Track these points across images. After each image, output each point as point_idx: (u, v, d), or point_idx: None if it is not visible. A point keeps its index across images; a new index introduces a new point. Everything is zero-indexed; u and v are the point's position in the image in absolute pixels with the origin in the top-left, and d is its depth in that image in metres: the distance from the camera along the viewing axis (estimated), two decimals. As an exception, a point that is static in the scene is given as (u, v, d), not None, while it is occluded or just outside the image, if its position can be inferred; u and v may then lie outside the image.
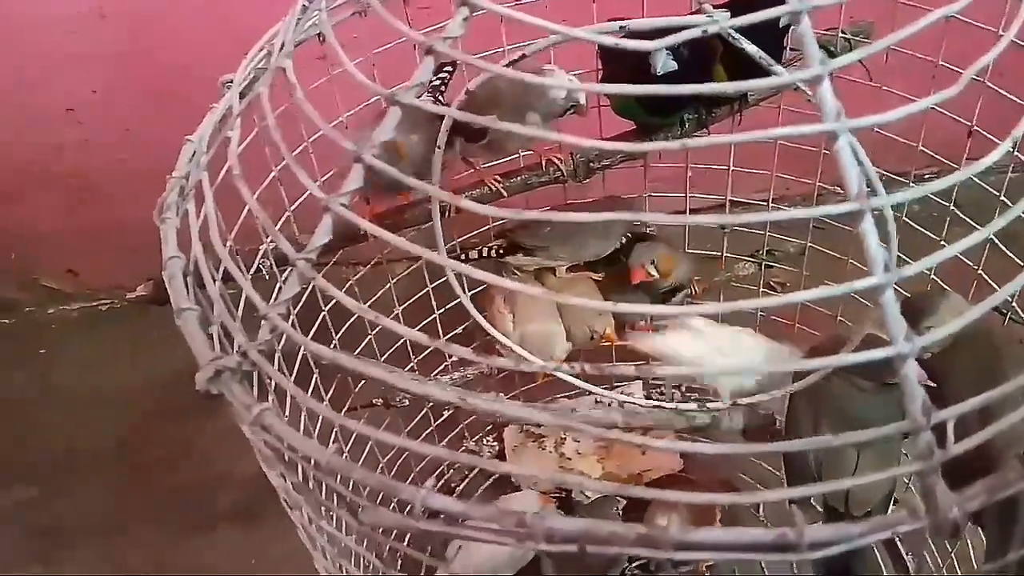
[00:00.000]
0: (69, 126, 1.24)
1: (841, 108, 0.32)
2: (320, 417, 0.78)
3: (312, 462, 0.33)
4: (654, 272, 0.82)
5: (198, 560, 1.03)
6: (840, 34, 0.77)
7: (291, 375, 0.70)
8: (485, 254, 0.87)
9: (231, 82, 0.52)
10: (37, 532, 1.09)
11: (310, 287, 0.80)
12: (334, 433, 0.75)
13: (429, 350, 0.98)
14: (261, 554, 0.99)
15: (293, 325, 0.72)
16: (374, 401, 0.86)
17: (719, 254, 0.96)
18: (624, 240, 0.90)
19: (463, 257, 0.88)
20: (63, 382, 1.28)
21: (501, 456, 1.04)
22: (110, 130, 1.25)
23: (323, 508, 0.39)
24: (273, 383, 0.67)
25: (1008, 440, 0.58)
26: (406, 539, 0.39)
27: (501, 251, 0.87)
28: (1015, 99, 0.66)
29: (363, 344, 0.84)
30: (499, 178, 0.81)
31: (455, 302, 0.77)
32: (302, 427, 0.65)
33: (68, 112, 1.23)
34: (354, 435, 0.89)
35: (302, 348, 0.71)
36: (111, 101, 1.22)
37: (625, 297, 0.88)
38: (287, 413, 0.63)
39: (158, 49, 1.18)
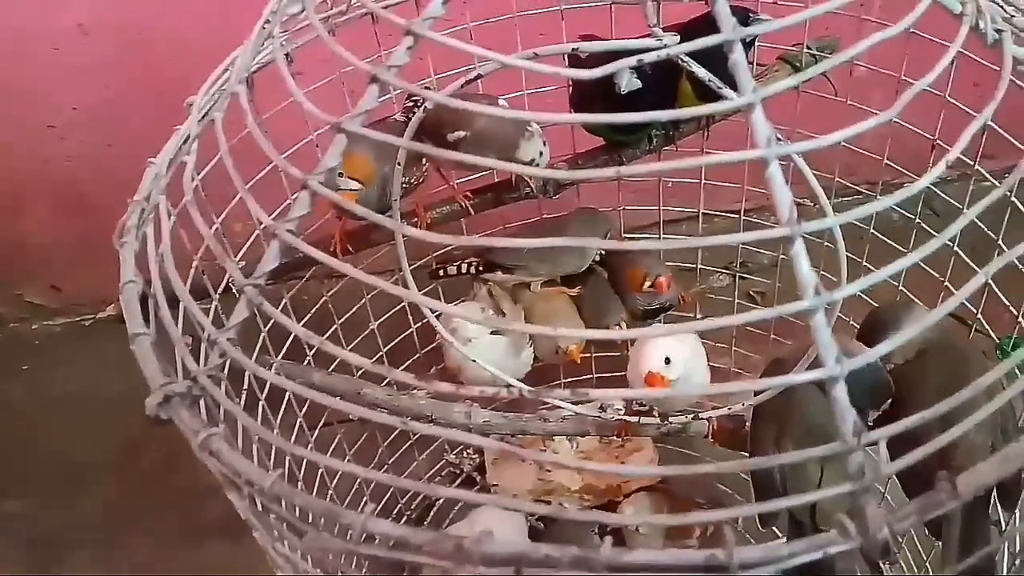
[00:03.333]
0: (52, 142, 1.25)
1: (773, 134, 0.33)
2: (292, 435, 0.79)
3: (256, 487, 0.33)
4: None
5: (192, 569, 1.03)
6: (806, 49, 0.78)
7: (264, 391, 0.71)
8: (464, 271, 0.88)
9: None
10: (28, 544, 1.09)
11: (282, 304, 0.81)
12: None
13: (406, 364, 0.97)
14: (250, 565, 0.99)
15: (265, 344, 0.73)
16: (351, 416, 0.85)
17: (694, 266, 0.96)
18: (601, 255, 0.91)
19: (441, 272, 0.88)
20: (50, 395, 1.28)
21: (481, 468, 1.05)
22: (93, 146, 1.25)
23: (275, 531, 0.39)
24: (260, 404, 0.68)
25: (970, 450, 0.58)
26: (361, 563, 0.39)
27: (479, 269, 0.87)
28: (972, 112, 0.67)
29: (336, 361, 0.84)
30: (469, 194, 0.82)
31: (435, 314, 0.77)
32: (273, 449, 0.65)
33: (50, 128, 1.24)
34: (330, 451, 0.90)
35: (272, 367, 0.71)
36: (93, 117, 1.23)
37: (601, 309, 0.89)
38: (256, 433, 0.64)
39: (142, 66, 1.18)
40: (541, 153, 0.75)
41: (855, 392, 0.32)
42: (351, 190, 0.70)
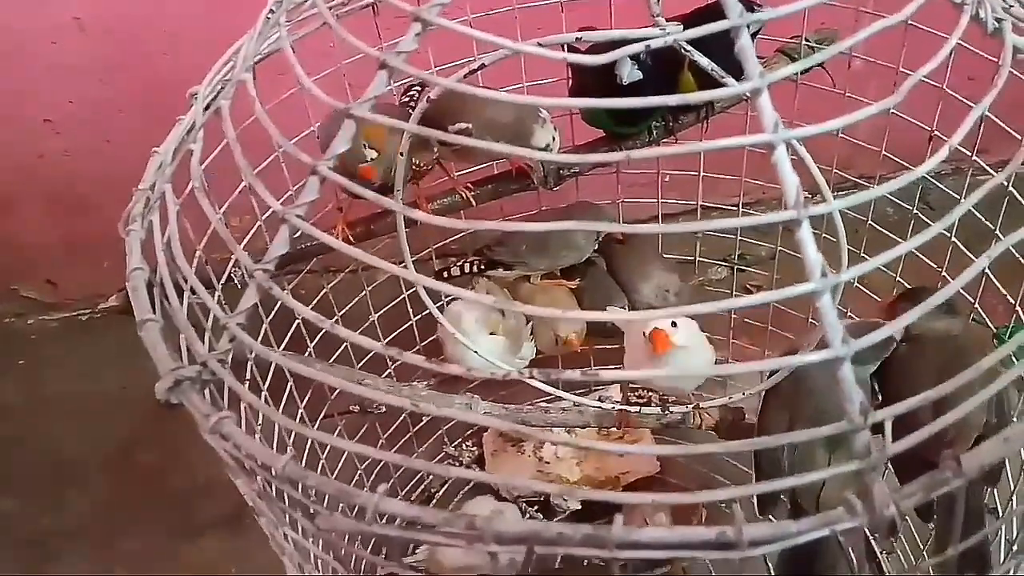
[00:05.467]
0: (48, 137, 1.24)
1: (779, 119, 0.33)
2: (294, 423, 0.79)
3: (268, 469, 0.33)
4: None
5: (184, 568, 1.03)
6: (804, 41, 0.79)
7: (266, 382, 0.71)
8: (467, 271, 0.88)
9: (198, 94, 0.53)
10: (22, 543, 1.09)
11: (285, 294, 0.81)
12: (309, 441, 0.76)
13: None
14: (246, 561, 1.00)
15: (266, 332, 0.74)
16: (351, 407, 0.86)
17: (692, 258, 0.97)
18: (598, 246, 0.91)
19: (445, 275, 0.89)
20: (45, 392, 1.28)
21: (480, 461, 1.05)
22: (89, 141, 1.25)
23: (284, 514, 0.39)
24: (262, 395, 0.69)
25: (964, 432, 0.59)
26: (366, 543, 0.39)
27: (481, 267, 0.88)
28: (968, 102, 0.67)
29: (339, 350, 0.84)
30: (471, 186, 0.82)
31: (436, 304, 0.78)
32: (276, 434, 0.65)
33: (46, 123, 1.23)
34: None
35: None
36: (90, 112, 1.22)
37: (601, 298, 0.89)
38: (259, 421, 0.64)
39: (138, 60, 1.18)
40: (554, 138, 0.75)
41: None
42: (370, 161, 0.70)
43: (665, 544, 0.30)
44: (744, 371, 0.33)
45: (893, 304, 0.71)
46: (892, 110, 0.76)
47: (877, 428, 0.42)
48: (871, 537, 0.70)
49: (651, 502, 0.29)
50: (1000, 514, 0.62)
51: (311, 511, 0.34)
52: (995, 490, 0.62)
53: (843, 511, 0.31)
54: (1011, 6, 0.48)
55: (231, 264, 0.64)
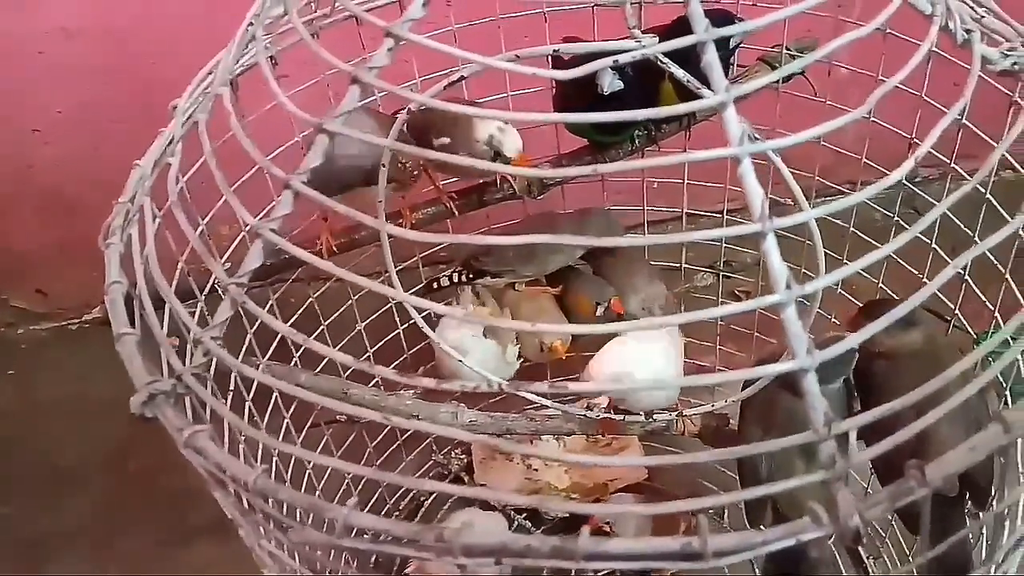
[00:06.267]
0: (36, 146, 1.24)
1: (745, 132, 0.34)
2: (279, 437, 0.79)
3: (241, 483, 0.33)
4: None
5: (183, 569, 1.03)
6: (785, 50, 0.79)
7: (250, 392, 0.71)
8: (456, 280, 0.88)
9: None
10: (19, 545, 1.09)
11: (268, 306, 0.81)
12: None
13: (393, 366, 0.98)
14: (244, 562, 0.99)
15: (252, 346, 0.74)
16: (338, 416, 0.86)
17: (678, 265, 0.97)
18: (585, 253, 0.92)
19: (435, 285, 0.89)
20: (39, 397, 1.28)
21: (469, 468, 1.05)
22: (78, 150, 1.25)
23: (261, 527, 0.40)
24: (246, 406, 0.69)
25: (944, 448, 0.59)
26: (354, 558, 0.39)
27: (470, 277, 0.88)
28: (945, 109, 0.68)
29: (324, 361, 0.84)
30: (454, 195, 0.83)
31: (421, 315, 0.78)
32: (260, 444, 0.65)
33: (34, 132, 1.23)
34: (318, 450, 0.90)
35: (259, 368, 0.71)
36: (78, 121, 1.22)
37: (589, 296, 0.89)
38: (243, 432, 0.64)
39: (126, 69, 1.18)
40: (501, 129, 0.74)
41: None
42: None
43: (631, 555, 0.30)
44: (706, 383, 0.33)
45: (855, 318, 0.72)
46: (872, 118, 0.78)
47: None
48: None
49: (617, 512, 0.30)
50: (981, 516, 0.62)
51: (284, 525, 0.34)
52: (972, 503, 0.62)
53: (809, 520, 0.31)
54: (982, 17, 0.48)
55: (214, 275, 0.64)
